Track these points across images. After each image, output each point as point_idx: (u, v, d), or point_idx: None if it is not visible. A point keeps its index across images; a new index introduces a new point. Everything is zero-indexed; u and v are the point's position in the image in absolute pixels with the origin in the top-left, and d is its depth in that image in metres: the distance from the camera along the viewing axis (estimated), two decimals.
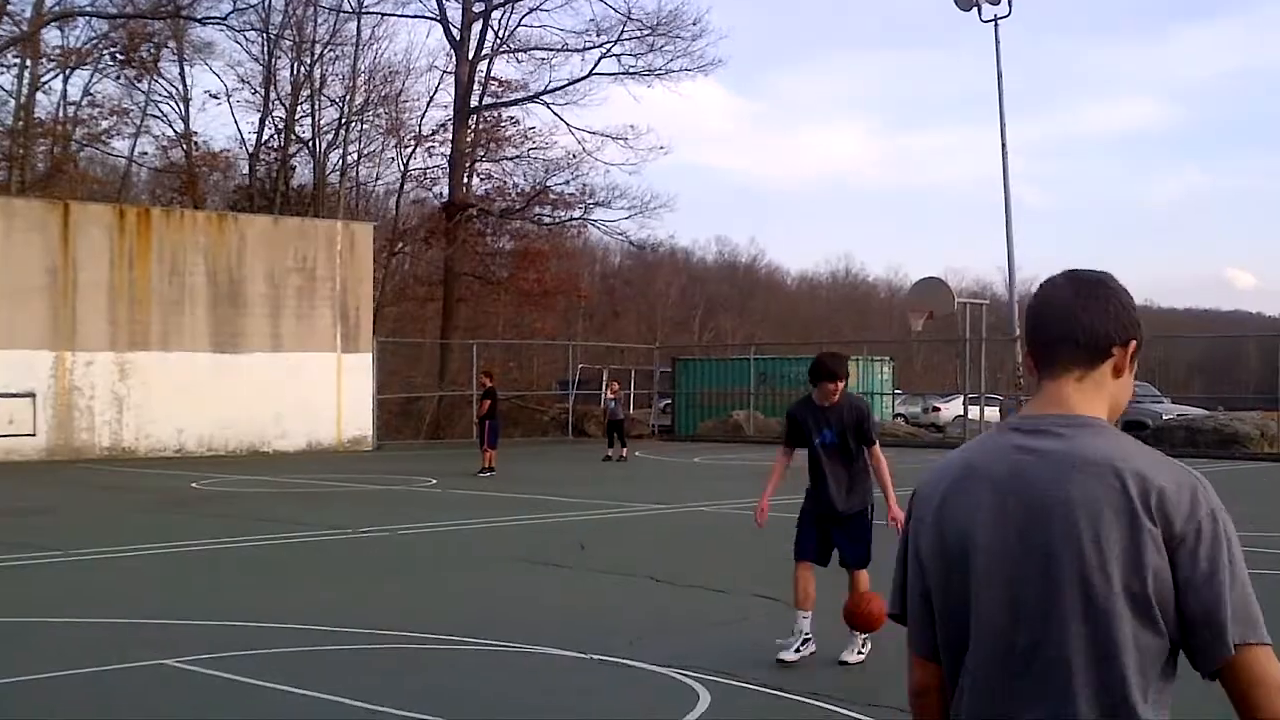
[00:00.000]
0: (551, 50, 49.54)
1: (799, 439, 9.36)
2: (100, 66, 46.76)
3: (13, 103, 45.11)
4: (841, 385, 9.12)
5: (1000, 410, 40.09)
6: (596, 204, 50.42)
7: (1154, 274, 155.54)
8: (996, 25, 39.36)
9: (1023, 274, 55.03)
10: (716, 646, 9.22)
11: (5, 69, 44.06)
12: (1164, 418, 36.21)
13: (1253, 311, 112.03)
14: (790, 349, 52.20)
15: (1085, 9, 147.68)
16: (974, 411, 38.73)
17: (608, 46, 48.82)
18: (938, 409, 48.33)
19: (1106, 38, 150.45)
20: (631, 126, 52.72)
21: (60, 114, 47.54)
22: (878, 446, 9.17)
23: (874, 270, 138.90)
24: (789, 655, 8.64)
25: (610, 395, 31.89)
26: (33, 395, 29.79)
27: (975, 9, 39.47)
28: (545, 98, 49.54)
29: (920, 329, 39.44)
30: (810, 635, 8.79)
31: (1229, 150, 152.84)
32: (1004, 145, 39.65)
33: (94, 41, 45.96)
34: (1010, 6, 39.29)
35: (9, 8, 41.47)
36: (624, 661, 8.67)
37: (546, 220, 51.33)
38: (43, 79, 45.97)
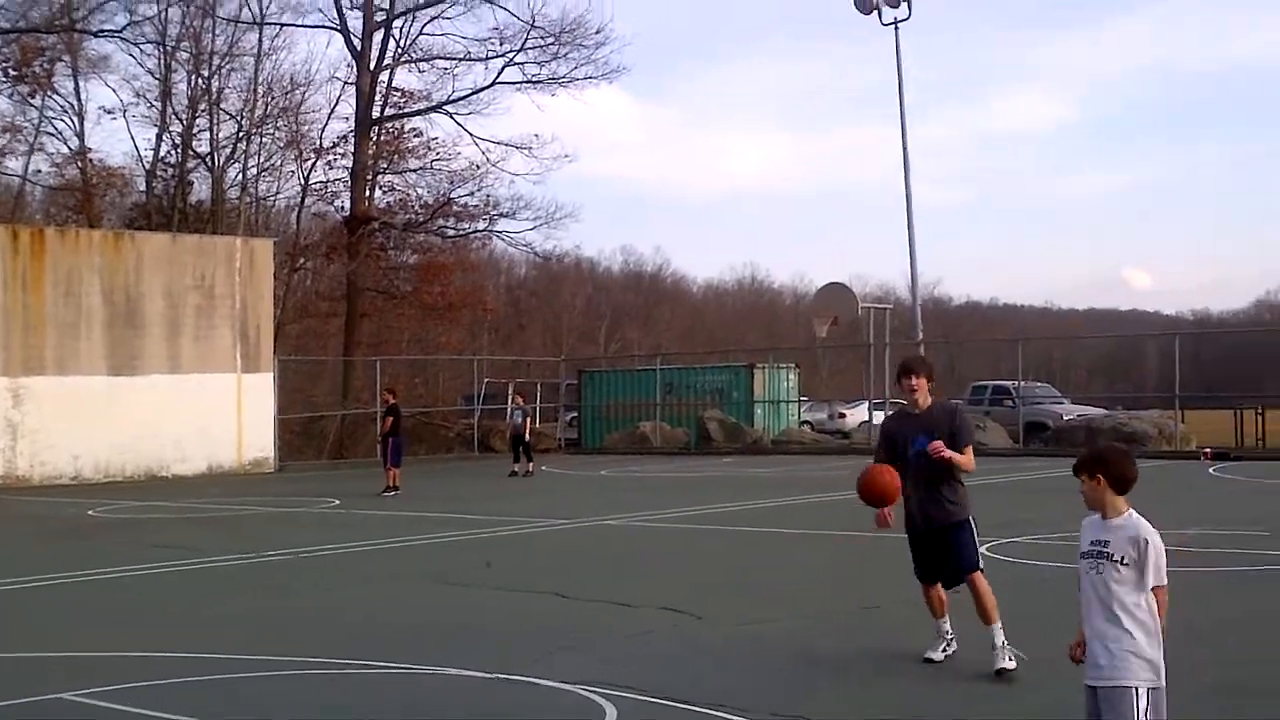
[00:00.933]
0: (454, 60, 49.34)
1: (892, 452, 8.81)
2: None
3: None
4: (929, 384, 8.79)
5: None
6: (501, 215, 50.23)
7: (1054, 275, 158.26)
8: (897, 28, 39.81)
9: (925, 278, 55.80)
10: (623, 661, 9.17)
11: None
12: (1064, 418, 36.75)
13: (1150, 311, 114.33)
14: (697, 358, 52.38)
15: (986, 10, 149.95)
16: (879, 416, 39.03)
17: (511, 55, 48.71)
18: (844, 415, 48.70)
19: (1008, 38, 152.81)
20: (536, 136, 52.33)
21: None
22: (970, 450, 8.71)
23: (779, 277, 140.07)
24: (935, 655, 8.69)
25: (515, 408, 31.69)
26: None
27: (875, 12, 39.87)
28: (448, 108, 49.29)
29: (825, 335, 39.70)
30: (951, 635, 8.78)
31: (1125, 150, 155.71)
32: (905, 149, 40.10)
33: None
34: (910, 9, 39.73)
35: None
36: (529, 680, 8.59)
37: (450, 233, 51.03)
38: None
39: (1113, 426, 33.14)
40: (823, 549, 16.01)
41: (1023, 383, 38.34)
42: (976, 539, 8.72)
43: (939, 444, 8.40)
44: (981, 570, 8.64)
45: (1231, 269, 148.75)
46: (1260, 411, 37.36)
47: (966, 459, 8.57)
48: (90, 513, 22.86)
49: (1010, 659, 8.27)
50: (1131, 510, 5.48)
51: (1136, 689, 5.22)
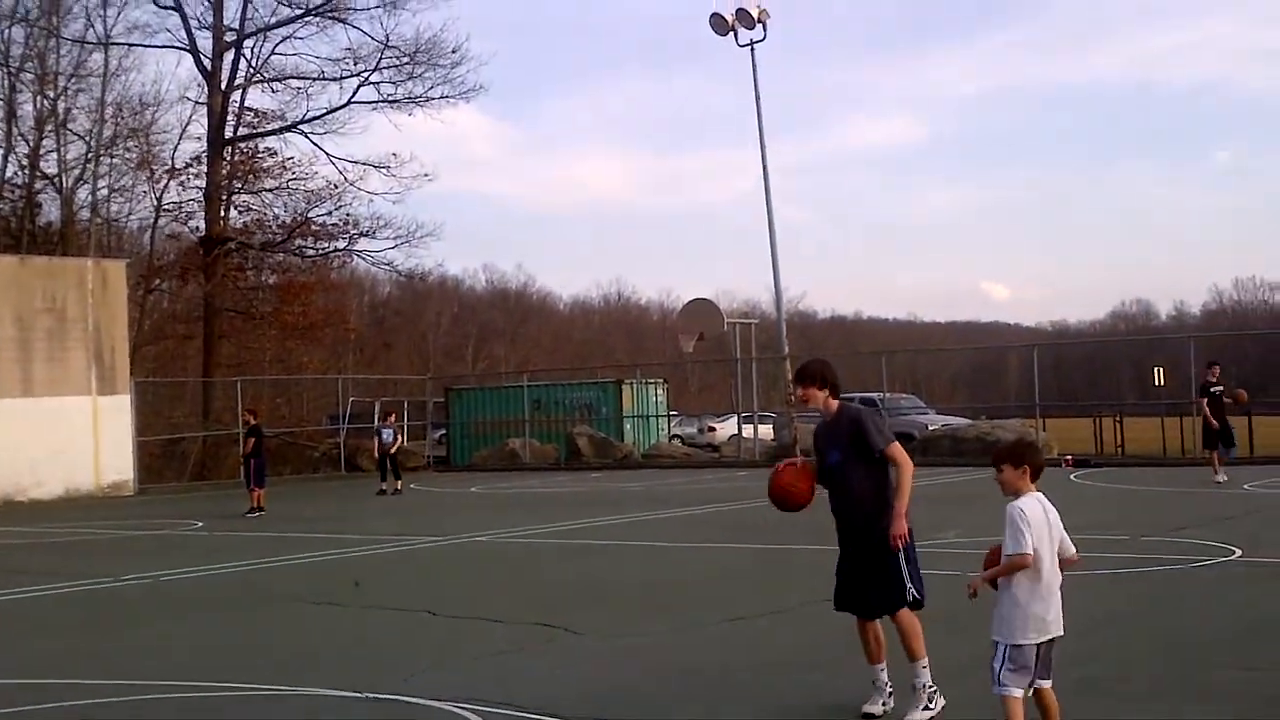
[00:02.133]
0: (308, 79, 48.77)
1: (821, 466, 7.85)
2: None
3: None
4: (821, 393, 7.71)
5: (774, 427, 40.79)
6: (361, 234, 49.71)
7: (915, 288, 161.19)
8: (753, 50, 40.17)
9: (790, 293, 56.41)
10: (496, 677, 9.07)
11: None
12: (929, 429, 37.32)
13: (1010, 323, 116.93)
14: (565, 374, 52.37)
15: (841, 32, 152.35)
16: (748, 430, 39.32)
17: (366, 75, 48.31)
18: (713, 429, 48.99)
19: (863, 58, 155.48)
20: (394, 155, 52.20)
21: None
22: (896, 447, 7.56)
23: (646, 293, 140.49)
24: (875, 710, 7.52)
25: (385, 426, 31.31)
26: None
27: (732, 34, 40.20)
28: (303, 127, 48.70)
29: (692, 350, 39.91)
30: (891, 687, 7.61)
31: (980, 166, 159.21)
32: (765, 166, 40.47)
33: None
34: (765, 31, 40.15)
35: None
36: (398, 698, 8.46)
37: (310, 252, 50.36)
38: None
39: (976, 436, 33.70)
40: (694, 561, 16.03)
41: (888, 394, 38.86)
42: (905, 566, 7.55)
43: (898, 532, 7.42)
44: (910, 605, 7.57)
45: (1087, 279, 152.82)
46: (1119, 419, 38.37)
47: (900, 479, 7.52)
48: None
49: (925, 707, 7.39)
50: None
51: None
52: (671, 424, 46.61)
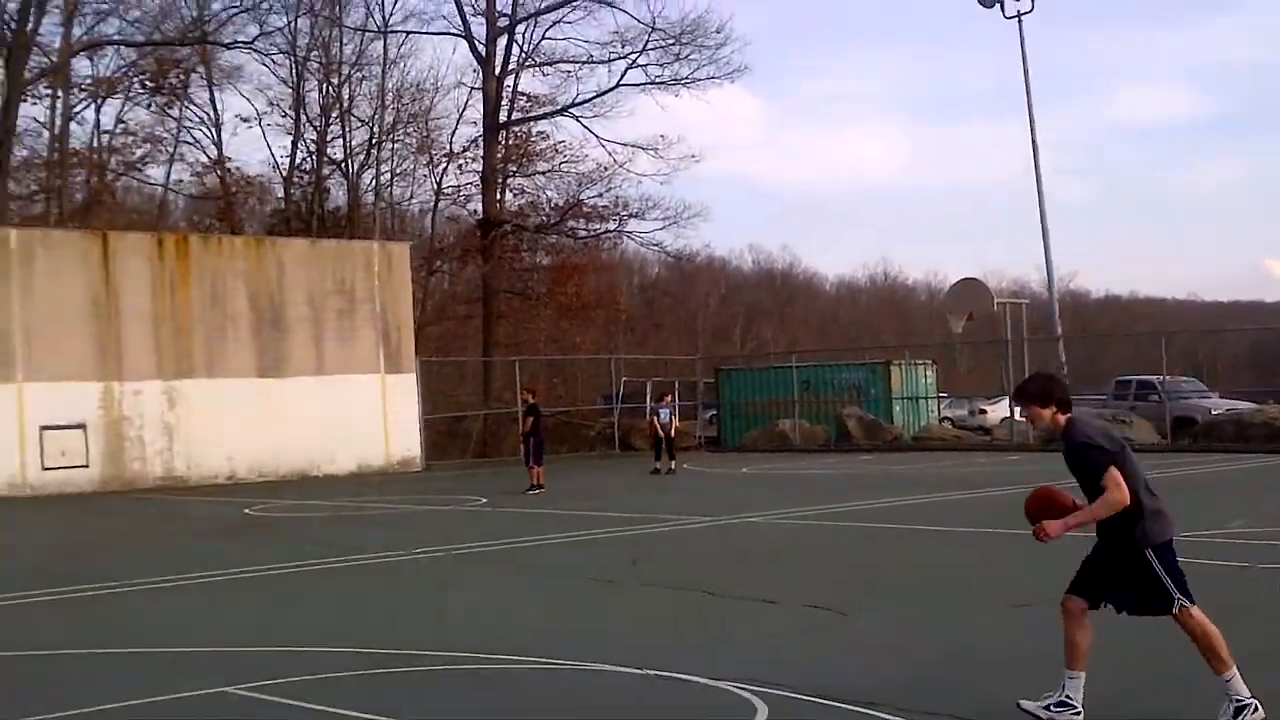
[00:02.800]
0: (577, 63, 49.80)
1: None
2: (131, 95, 47.30)
3: (47, 134, 45.63)
4: (1045, 411, 7.20)
5: None
6: (630, 216, 50.56)
7: (1193, 267, 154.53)
8: (1020, 21, 39.31)
9: (1061, 271, 54.83)
10: (772, 659, 9.20)
11: (37, 100, 44.60)
12: (1213, 413, 35.91)
13: None
14: (832, 355, 52.12)
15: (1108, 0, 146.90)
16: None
17: (633, 57, 49.03)
18: (984, 411, 48.09)
19: (1134, 26, 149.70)
20: (661, 136, 52.78)
21: (95, 144, 48.01)
22: (1109, 478, 6.88)
23: (913, 273, 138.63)
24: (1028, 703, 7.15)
25: (661, 406, 31.67)
26: (83, 426, 30.10)
27: (998, 5, 39.40)
28: (573, 111, 49.76)
29: (961, 331, 39.30)
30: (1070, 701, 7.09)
31: (1260, 138, 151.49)
32: (1034, 141, 39.61)
33: (124, 70, 46.57)
34: (1032, 2, 39.18)
35: (39, 38, 41.88)
36: (680, 676, 8.64)
37: (581, 234, 51.46)
38: (75, 109, 46.49)
39: (1264, 421, 32.30)
40: (971, 545, 15.90)
41: (1168, 377, 37.55)
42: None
43: (1045, 526, 7.01)
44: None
45: None
46: None
47: (1083, 514, 7.00)
48: (247, 511, 23.55)
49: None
50: None
51: None
52: (941, 406, 45.96)
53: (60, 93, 44.82)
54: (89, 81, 46.28)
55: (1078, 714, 7.06)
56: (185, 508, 25.34)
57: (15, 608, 13.03)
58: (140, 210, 50.75)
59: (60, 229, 36.57)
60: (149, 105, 47.91)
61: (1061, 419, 7.14)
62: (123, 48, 45.77)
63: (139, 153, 48.90)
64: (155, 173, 50.14)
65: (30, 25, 41.19)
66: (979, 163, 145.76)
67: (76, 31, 44.00)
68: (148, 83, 46.63)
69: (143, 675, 9.35)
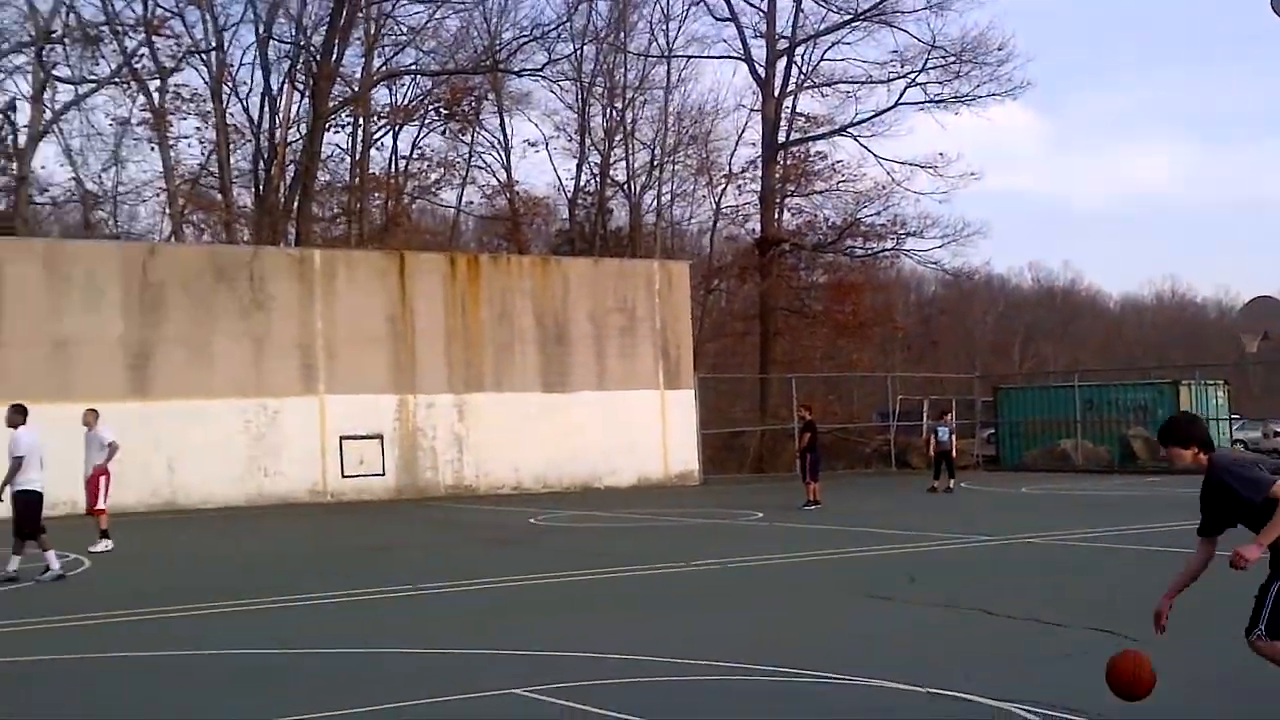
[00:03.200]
0: (856, 83, 49.77)
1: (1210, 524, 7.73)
2: (426, 121, 49.43)
3: (348, 160, 48.08)
4: (1187, 452, 7.49)
5: None
6: (909, 234, 50.30)
7: None
8: None
9: None
10: (1051, 680, 9.12)
11: (340, 128, 46.98)
12: None
13: None
14: (1117, 374, 50.64)
15: None
16: None
17: (913, 76, 48.75)
18: (1279, 434, 46.01)
19: None
20: (940, 154, 52.40)
21: (392, 169, 50.31)
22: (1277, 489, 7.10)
23: (1202, 290, 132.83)
24: None
25: (941, 424, 31.39)
26: (380, 437, 31.65)
27: None
28: (852, 130, 49.77)
29: (1256, 350, 37.68)
30: None
31: None
32: None
33: (419, 98, 48.60)
34: None
35: (341, 69, 44.15)
36: (958, 695, 8.63)
37: (859, 252, 51.37)
38: (375, 136, 48.85)
39: None
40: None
41: None
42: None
43: (1241, 552, 7.16)
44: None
45: None
46: None
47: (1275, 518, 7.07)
48: (532, 520, 24.37)
49: None
50: None
51: None
52: (1233, 428, 44.13)
53: (361, 120, 47.19)
54: (387, 109, 48.59)
55: None
56: (474, 515, 26.36)
57: (315, 608, 13.84)
58: (434, 231, 52.93)
59: (360, 249, 38.48)
60: (443, 131, 50.18)
61: (1203, 457, 7.40)
62: (419, 77, 47.91)
63: (433, 177, 51.28)
64: (448, 195, 52.38)
65: (334, 57, 43.46)
66: (1273, 177, 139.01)
67: (376, 62, 46.30)
68: (442, 110, 48.69)
69: (434, 675, 9.78)
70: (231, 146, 43.47)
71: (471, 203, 53.01)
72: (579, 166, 50.35)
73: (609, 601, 13.91)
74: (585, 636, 11.29)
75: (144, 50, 41.59)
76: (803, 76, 50.09)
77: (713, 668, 9.70)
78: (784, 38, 49.24)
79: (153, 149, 43.24)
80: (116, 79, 41.93)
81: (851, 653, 10.40)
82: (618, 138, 49.76)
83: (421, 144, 50.46)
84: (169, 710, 8.90)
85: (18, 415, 16.69)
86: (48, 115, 41.07)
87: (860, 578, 15.23)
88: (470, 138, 50.51)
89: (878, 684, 9.03)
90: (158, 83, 41.74)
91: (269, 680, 9.83)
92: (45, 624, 12.75)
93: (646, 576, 15.88)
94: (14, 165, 41.31)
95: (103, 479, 19.94)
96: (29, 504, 16.19)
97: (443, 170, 51.17)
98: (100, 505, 19.89)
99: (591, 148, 49.94)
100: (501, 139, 50.74)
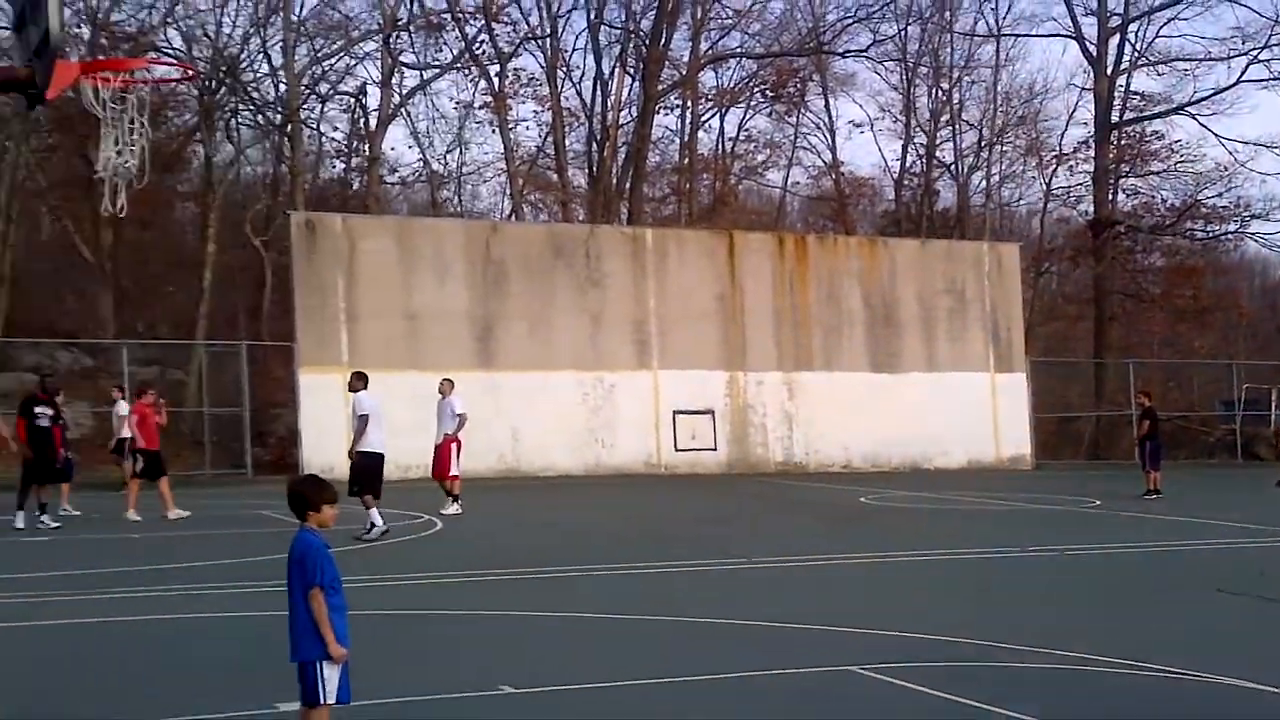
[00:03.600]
0: (1193, 60, 47.72)
1: None
2: (752, 104, 49.94)
3: (677, 142, 49.07)
4: None
5: None
6: (1253, 216, 47.93)
7: None
8: None
9: None
10: None
11: (670, 110, 47.91)
12: None
13: None
14: None
15: None
16: None
17: (1255, 53, 46.34)
18: None
19: None
20: None
21: (719, 150, 51.03)
22: None
23: None
24: None
25: None
26: (711, 412, 32.26)
27: None
28: (1190, 109, 47.63)
29: None
30: None
31: None
32: None
33: (745, 81, 49.08)
34: None
35: (670, 54, 45.03)
36: None
37: (1199, 235, 49.28)
38: (702, 118, 49.66)
39: None
40: None
41: None
42: None
43: None
44: None
45: None
46: None
47: None
48: (862, 500, 24.44)
49: None
50: None
51: None
52: None
53: (689, 103, 48.02)
54: (714, 92, 49.27)
55: None
56: (803, 493, 26.60)
57: (654, 576, 14.27)
58: (759, 211, 53.41)
59: (690, 229, 39.21)
60: (769, 113, 50.60)
61: None
62: (744, 60, 48.38)
63: (760, 158, 51.77)
64: (774, 176, 52.81)
65: (662, 42, 44.32)
66: None
67: (703, 46, 46.96)
68: (768, 92, 49.07)
69: (771, 647, 9.97)
70: (566, 129, 44.83)
71: (797, 183, 53.46)
72: (904, 148, 50.10)
73: (942, 583, 13.87)
74: (916, 618, 11.18)
75: (483, 37, 43.28)
76: (1136, 54, 48.25)
77: (1060, 656, 9.52)
78: (1116, 14, 47.53)
79: (493, 131, 45.06)
80: (458, 64, 43.81)
81: (1200, 647, 10.10)
82: (944, 118, 49.24)
83: (748, 125, 51.12)
84: (529, 667, 9.33)
85: (359, 381, 17.93)
86: (395, 99, 43.22)
87: (1207, 571, 14.75)
88: (795, 119, 50.88)
89: (1227, 681, 8.78)
90: (497, 68, 43.39)
91: (616, 643, 10.28)
92: (399, 580, 13.60)
93: (980, 560, 15.79)
94: (366, 147, 43.66)
95: (453, 446, 20.94)
96: (371, 463, 17.20)
97: (769, 151, 51.68)
98: (453, 471, 20.89)
99: (917, 129, 49.59)
100: (826, 120, 50.97)
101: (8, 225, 35.80)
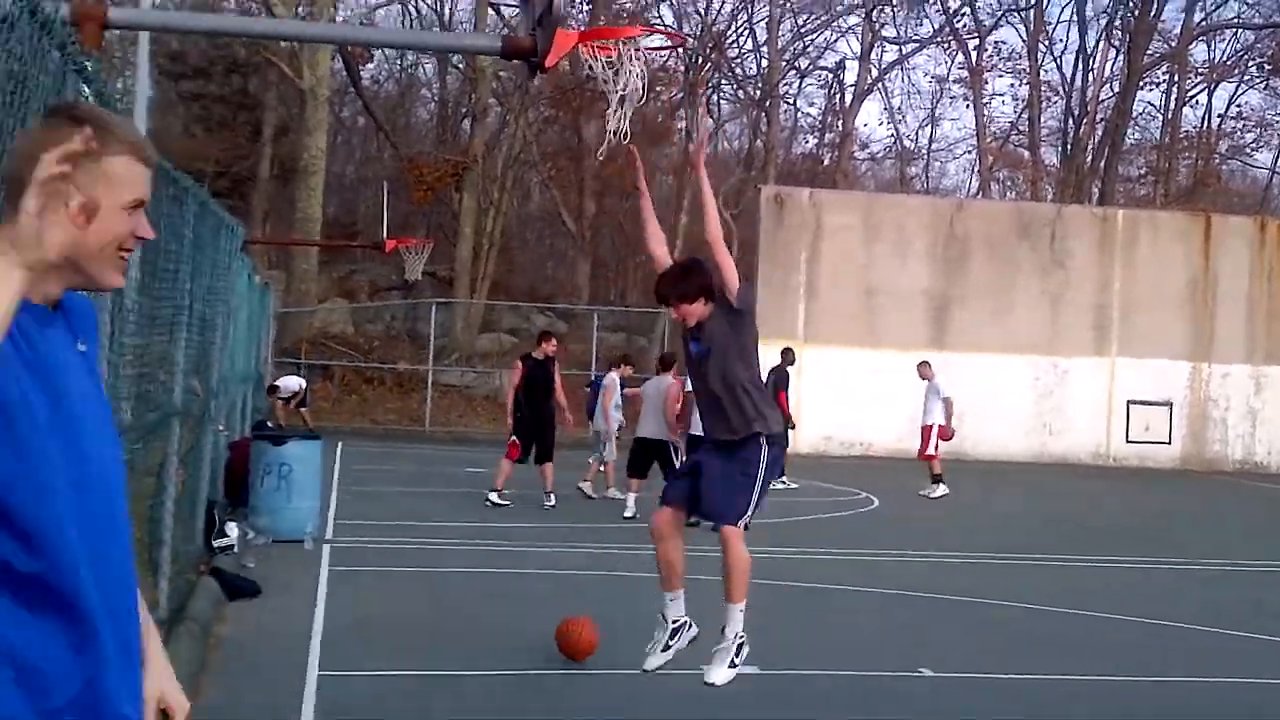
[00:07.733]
0: None
1: None
2: (1246, 78, 47.37)
3: (1160, 118, 47.22)
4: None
5: None
6: None
7: None
8: None
9: None
10: None
11: (1154, 85, 46.15)
12: None
13: None
14: None
15: None
16: None
17: None
18: None
19: None
20: None
21: (1204, 127, 48.76)
22: None
23: None
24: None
25: None
26: (1169, 404, 31.26)
27: None
28: None
29: None
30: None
31: None
32: None
33: (1239, 54, 46.63)
34: None
35: (1160, 24, 43.40)
36: None
37: None
38: (1189, 93, 47.51)
39: None
40: None
41: None
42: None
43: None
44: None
45: None
46: None
47: None
48: None
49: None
50: None
51: None
52: None
53: (1176, 77, 46.12)
54: (1204, 65, 47.14)
55: None
56: (1268, 493, 25.50)
57: (1087, 570, 14.29)
58: (1243, 193, 50.78)
59: (1164, 210, 37.86)
60: (1263, 87, 47.86)
61: None
62: (1241, 31, 46.05)
63: (1248, 137, 49.10)
64: (1262, 157, 50.00)
65: (1153, 12, 42.83)
66: None
67: (1196, 16, 45.01)
68: (1265, 65, 46.48)
69: (1210, 657, 10.01)
70: (1042, 104, 44.14)
71: None
72: None
73: None
74: None
75: (965, 9, 43.17)
76: None
77: None
78: None
79: (967, 106, 44.92)
80: (938, 38, 43.90)
81: None
82: None
83: (1239, 102, 48.56)
84: (940, 652, 9.75)
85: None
86: (873, 74, 43.80)
87: None
88: None
89: None
90: (975, 41, 43.22)
91: (1055, 643, 10.27)
92: (839, 555, 14.30)
93: None
94: (839, 122, 44.50)
95: (934, 429, 21.12)
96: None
97: (1259, 130, 48.94)
98: (929, 452, 21.17)
99: None
100: None
101: (501, 194, 38.55)
